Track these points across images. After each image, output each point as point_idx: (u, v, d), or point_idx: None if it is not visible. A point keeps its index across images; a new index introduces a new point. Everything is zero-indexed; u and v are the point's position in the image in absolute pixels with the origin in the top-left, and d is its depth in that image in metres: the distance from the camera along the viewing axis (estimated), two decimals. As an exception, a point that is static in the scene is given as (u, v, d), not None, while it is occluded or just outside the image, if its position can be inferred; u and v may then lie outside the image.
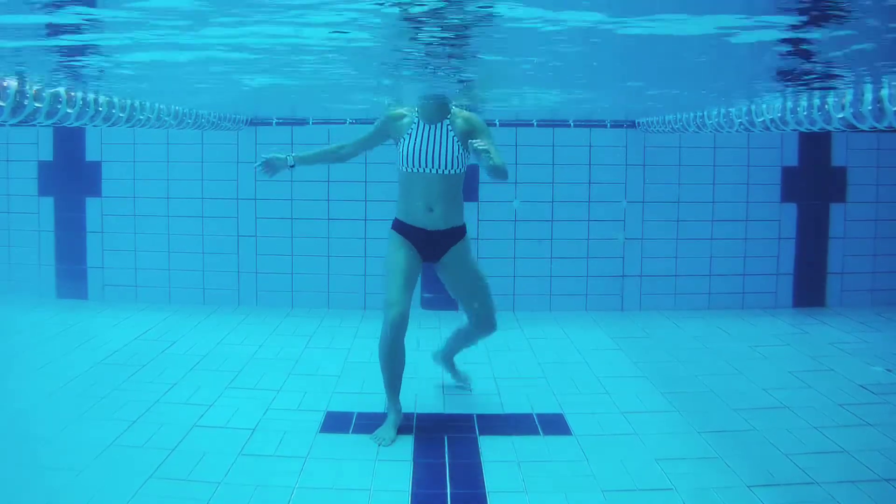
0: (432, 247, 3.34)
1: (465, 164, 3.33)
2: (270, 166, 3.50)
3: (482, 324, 3.50)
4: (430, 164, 3.26)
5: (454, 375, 3.92)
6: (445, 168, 3.26)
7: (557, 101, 4.20)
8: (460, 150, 3.28)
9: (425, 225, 3.30)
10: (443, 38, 2.04)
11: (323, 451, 3.11)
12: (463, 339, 3.71)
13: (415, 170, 3.28)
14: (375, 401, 3.67)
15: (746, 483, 2.81)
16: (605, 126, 5.70)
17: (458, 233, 3.37)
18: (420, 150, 3.27)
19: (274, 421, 3.43)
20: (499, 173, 3.05)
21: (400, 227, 3.37)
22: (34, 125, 3.24)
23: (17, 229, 5.90)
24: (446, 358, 3.89)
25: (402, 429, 3.33)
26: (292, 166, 3.51)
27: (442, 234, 3.33)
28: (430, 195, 3.27)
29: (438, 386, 3.94)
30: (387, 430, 3.26)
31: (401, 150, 3.34)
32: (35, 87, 2.92)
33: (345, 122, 5.63)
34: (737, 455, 3.06)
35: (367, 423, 3.39)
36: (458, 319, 5.31)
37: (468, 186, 5.59)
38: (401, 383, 3.35)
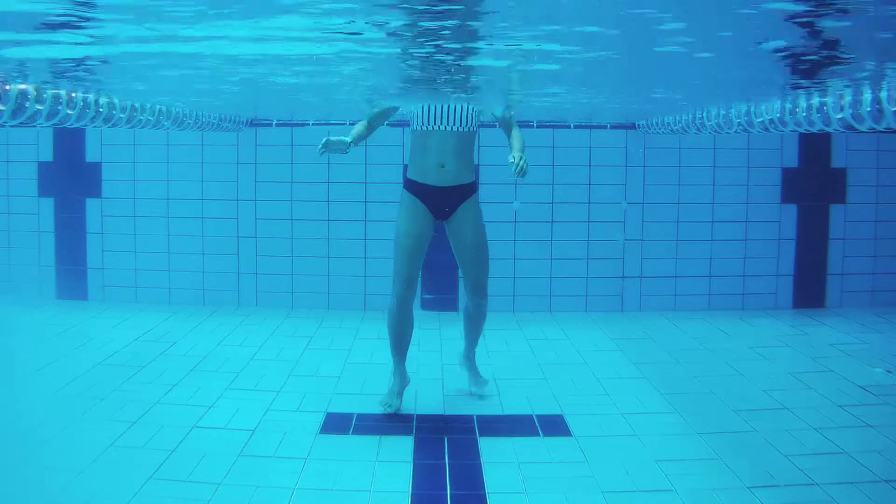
0: (443, 203, 3.46)
1: (477, 122, 3.49)
2: (331, 147, 3.41)
3: (476, 289, 3.57)
4: (444, 121, 3.40)
5: (474, 378, 3.81)
6: (459, 125, 3.40)
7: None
8: (474, 108, 3.45)
9: (436, 182, 3.43)
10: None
11: (323, 452, 3.11)
12: (469, 323, 3.73)
13: (429, 127, 3.41)
14: (375, 402, 3.67)
15: (746, 484, 2.81)
16: (605, 128, 5.71)
17: (467, 189, 3.49)
18: (435, 107, 3.40)
19: (274, 422, 3.43)
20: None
21: (411, 186, 3.48)
22: (34, 126, 3.24)
23: (18, 230, 5.90)
24: (469, 357, 3.84)
25: (402, 430, 3.34)
26: (346, 153, 3.46)
27: (452, 189, 3.45)
28: (444, 152, 3.40)
29: (438, 387, 3.94)
30: (392, 397, 3.51)
31: (416, 109, 3.44)
32: (36, 88, 2.92)
33: (345, 123, 5.63)
34: (737, 456, 3.06)
35: (368, 425, 3.40)
36: (457, 320, 5.33)
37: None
38: (408, 348, 3.56)
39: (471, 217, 3.50)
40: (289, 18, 1.70)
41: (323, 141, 3.40)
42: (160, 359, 4.37)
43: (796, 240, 5.79)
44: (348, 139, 3.42)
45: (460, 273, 3.61)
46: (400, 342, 3.53)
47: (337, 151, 3.42)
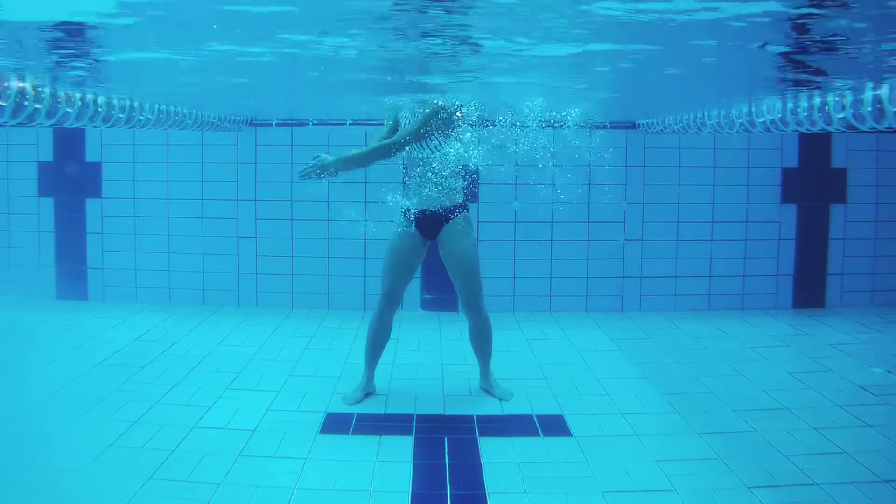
0: (432, 225, 3.59)
1: (440, 147, 3.55)
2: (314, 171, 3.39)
3: (468, 303, 3.63)
4: (422, 148, 3.57)
5: (497, 390, 3.81)
6: (435, 149, 3.58)
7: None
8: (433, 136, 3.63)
9: (422, 206, 3.59)
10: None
11: (323, 452, 3.11)
12: (474, 342, 3.75)
13: (412, 154, 3.60)
14: (375, 402, 3.67)
15: (746, 484, 2.81)
16: (606, 127, 5.71)
17: (455, 209, 3.62)
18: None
19: (274, 422, 3.43)
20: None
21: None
22: (34, 126, 3.24)
23: (18, 230, 5.90)
24: (485, 376, 3.84)
25: (402, 430, 3.34)
26: (334, 175, 3.42)
27: (439, 212, 3.57)
28: (426, 176, 3.57)
29: (438, 387, 3.94)
30: (355, 392, 3.73)
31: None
32: (34, 86, 2.91)
33: (345, 123, 5.63)
34: (737, 456, 3.06)
35: (368, 425, 3.40)
36: (457, 320, 5.33)
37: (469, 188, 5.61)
38: (380, 356, 3.76)
39: (458, 235, 3.58)
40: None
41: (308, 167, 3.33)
42: (160, 359, 4.37)
43: (796, 240, 5.79)
44: (331, 157, 3.35)
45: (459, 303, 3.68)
46: (374, 347, 3.71)
47: (322, 175, 3.34)
